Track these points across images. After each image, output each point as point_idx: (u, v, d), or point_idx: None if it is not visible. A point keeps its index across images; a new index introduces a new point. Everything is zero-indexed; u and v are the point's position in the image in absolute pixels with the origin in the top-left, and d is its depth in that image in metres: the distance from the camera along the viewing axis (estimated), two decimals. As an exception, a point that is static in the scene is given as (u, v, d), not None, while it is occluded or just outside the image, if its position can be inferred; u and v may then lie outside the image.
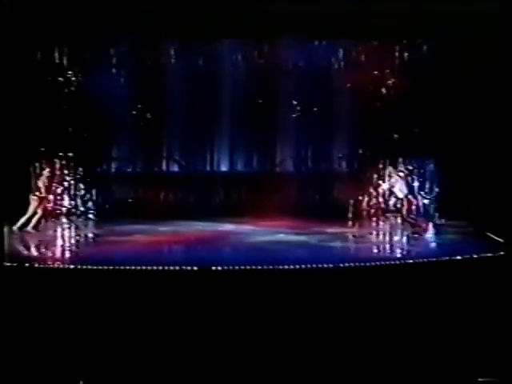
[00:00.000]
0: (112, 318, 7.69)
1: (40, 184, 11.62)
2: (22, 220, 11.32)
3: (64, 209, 11.86)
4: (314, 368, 6.79)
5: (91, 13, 11.69)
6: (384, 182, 11.79)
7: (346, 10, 11.50)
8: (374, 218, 13.06)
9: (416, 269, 9.35)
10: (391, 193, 12.28)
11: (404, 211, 11.60)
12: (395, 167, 11.63)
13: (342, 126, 14.16)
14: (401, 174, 11.45)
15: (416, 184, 11.93)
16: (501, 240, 10.61)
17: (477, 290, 8.30)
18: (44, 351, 7.05)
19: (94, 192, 13.34)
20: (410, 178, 11.47)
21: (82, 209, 12.68)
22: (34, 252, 10.39)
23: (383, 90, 13.77)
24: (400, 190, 11.47)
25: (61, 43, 13.14)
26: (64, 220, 12.06)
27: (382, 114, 13.46)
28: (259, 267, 9.01)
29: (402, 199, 11.55)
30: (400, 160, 12.45)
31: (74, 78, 13.41)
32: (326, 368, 6.81)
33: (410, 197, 11.52)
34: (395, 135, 13.42)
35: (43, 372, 6.70)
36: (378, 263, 9.42)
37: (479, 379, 6.37)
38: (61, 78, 13.28)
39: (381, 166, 13.03)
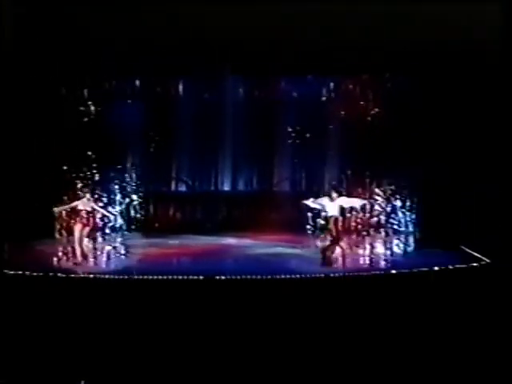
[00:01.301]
0: (124, 323, 7.63)
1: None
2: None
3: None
4: (313, 370, 6.71)
5: (108, 53, 11.93)
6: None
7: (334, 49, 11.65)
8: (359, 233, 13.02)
9: (398, 279, 9.43)
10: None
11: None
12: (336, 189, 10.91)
13: (330, 151, 14.24)
14: (334, 195, 10.48)
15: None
16: (474, 253, 10.70)
17: (452, 299, 8.32)
18: (49, 355, 6.88)
19: (111, 209, 13.39)
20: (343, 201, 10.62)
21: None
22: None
23: (367, 119, 13.86)
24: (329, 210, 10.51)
25: (84, 81, 13.43)
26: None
27: (364, 141, 13.51)
28: (258, 277, 9.10)
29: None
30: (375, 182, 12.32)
31: (93, 108, 13.59)
32: (326, 369, 6.71)
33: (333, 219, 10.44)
34: (375, 159, 13.46)
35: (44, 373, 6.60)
36: (360, 273, 9.53)
37: None
38: (82, 108, 13.50)
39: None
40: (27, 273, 9.11)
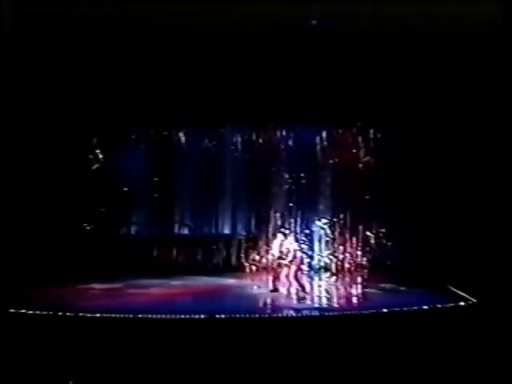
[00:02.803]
0: (128, 361, 7.65)
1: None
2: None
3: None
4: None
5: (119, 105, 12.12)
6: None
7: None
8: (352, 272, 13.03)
9: (388, 317, 9.34)
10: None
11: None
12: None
13: (325, 195, 14.34)
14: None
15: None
16: (461, 293, 10.67)
17: (441, 337, 8.30)
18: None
19: (116, 251, 13.50)
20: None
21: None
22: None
23: (358, 165, 14.08)
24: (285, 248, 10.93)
25: (91, 130, 13.61)
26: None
27: (355, 185, 13.77)
28: (256, 315, 9.12)
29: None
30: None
31: (101, 156, 13.81)
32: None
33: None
34: (366, 203, 13.67)
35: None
36: (352, 312, 9.54)
37: None
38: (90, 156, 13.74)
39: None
40: (30, 312, 9.01)
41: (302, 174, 14.19)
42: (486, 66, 10.73)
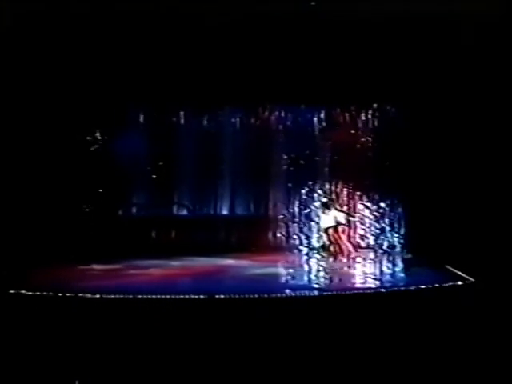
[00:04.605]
0: (130, 340, 7.58)
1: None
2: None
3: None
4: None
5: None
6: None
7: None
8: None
9: (386, 297, 9.34)
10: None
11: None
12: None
13: (322, 176, 14.36)
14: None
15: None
16: (459, 272, 10.62)
17: (438, 316, 8.20)
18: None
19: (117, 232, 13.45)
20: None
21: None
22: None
23: (356, 146, 14.02)
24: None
25: (91, 111, 13.44)
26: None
27: (355, 165, 13.76)
28: (255, 295, 9.02)
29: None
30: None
31: (100, 137, 13.72)
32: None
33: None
34: (365, 181, 13.73)
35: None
36: (350, 292, 9.46)
37: None
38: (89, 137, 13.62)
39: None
40: (30, 293, 8.92)
41: (299, 155, 14.16)
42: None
